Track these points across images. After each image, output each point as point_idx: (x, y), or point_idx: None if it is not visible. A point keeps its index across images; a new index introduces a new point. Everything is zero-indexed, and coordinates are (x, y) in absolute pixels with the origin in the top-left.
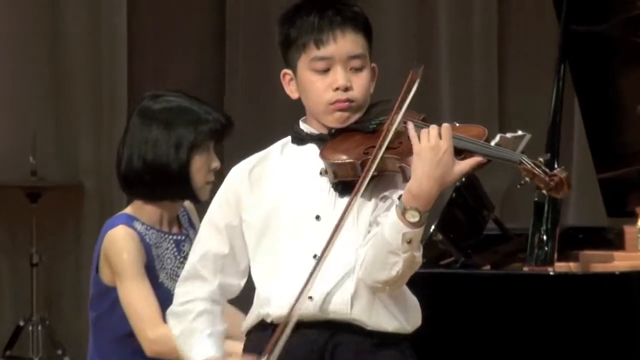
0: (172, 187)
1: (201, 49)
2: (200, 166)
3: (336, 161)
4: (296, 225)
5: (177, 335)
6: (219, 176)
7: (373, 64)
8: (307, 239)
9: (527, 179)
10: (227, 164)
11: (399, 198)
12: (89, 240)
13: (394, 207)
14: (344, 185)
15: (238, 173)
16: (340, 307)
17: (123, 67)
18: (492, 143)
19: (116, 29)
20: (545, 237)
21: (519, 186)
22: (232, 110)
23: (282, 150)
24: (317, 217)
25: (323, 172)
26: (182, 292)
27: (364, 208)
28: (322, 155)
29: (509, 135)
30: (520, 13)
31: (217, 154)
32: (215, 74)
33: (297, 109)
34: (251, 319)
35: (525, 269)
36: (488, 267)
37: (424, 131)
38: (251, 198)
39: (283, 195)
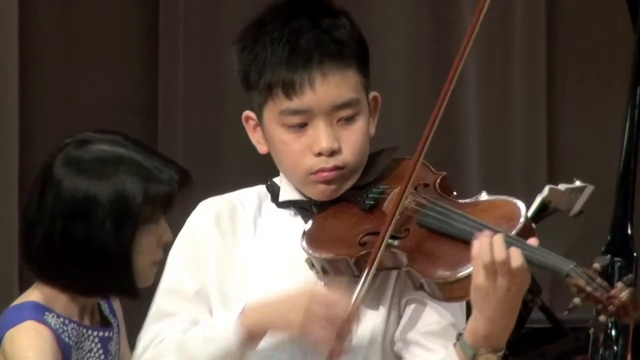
0: (107, 279)
1: (123, 64)
2: (147, 245)
3: (322, 255)
4: None
5: None
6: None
7: (374, 93)
8: (283, 352)
9: (577, 299)
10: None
11: (458, 338)
12: None
13: (449, 350)
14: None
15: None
16: None
17: (12, 92)
18: (539, 198)
19: (3, 38)
20: (614, 332)
21: (566, 312)
22: (169, 151)
23: (261, 206)
24: None
25: (309, 264)
26: (147, 338)
27: (366, 315)
28: (304, 244)
29: (562, 186)
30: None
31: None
32: (143, 98)
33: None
34: None
35: None
36: None
37: (483, 259)
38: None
39: (253, 281)
